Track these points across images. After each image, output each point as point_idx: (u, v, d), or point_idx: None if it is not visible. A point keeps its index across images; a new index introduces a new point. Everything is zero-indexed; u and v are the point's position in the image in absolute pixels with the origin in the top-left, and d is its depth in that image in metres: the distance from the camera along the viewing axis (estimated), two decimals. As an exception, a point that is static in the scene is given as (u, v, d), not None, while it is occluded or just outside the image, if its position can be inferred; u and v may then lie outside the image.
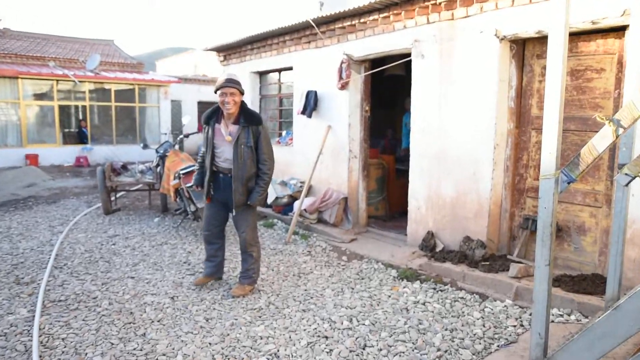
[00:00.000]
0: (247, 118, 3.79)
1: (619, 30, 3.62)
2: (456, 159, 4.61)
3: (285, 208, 6.53)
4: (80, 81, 14.61)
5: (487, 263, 4.24)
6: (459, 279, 4.18)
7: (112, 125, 15.81)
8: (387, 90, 7.88)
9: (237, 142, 3.74)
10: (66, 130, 15.32)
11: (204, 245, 4.19)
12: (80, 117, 15.31)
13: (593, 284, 3.62)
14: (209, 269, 4.14)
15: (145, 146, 7.16)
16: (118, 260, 4.95)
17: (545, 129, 2.01)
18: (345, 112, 5.87)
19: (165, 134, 14.46)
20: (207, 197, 4.00)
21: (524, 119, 4.33)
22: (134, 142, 15.93)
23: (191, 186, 4.05)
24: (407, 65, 6.91)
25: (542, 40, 4.10)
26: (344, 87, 5.76)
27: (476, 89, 4.39)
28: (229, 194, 3.85)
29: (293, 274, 4.58)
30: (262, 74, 7.79)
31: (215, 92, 3.78)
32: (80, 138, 15.01)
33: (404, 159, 6.50)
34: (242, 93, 3.79)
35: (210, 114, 3.89)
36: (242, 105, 3.82)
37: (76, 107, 15.45)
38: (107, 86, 15.69)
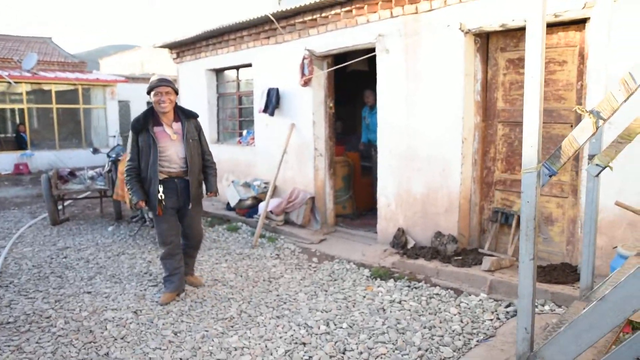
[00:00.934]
0: (185, 113, 3.89)
1: (580, 23, 3.76)
2: (425, 156, 4.66)
3: (249, 210, 6.39)
4: (15, 82, 13.76)
5: (460, 258, 4.31)
6: (432, 275, 4.22)
7: (55, 128, 15.00)
8: (351, 86, 7.90)
9: (186, 138, 3.79)
10: (2, 135, 14.40)
11: (164, 261, 3.98)
12: (18, 121, 14.41)
13: (563, 273, 3.75)
14: (176, 284, 3.98)
15: (96, 150, 6.82)
16: (71, 275, 4.67)
17: (526, 123, 2.04)
18: (309, 109, 5.82)
19: (114, 136, 13.94)
20: (158, 209, 3.79)
21: (489, 112, 4.43)
22: (80, 147, 15.21)
23: (135, 204, 3.81)
24: (371, 61, 6.97)
25: (506, 33, 4.20)
26: (306, 83, 5.70)
27: (442, 84, 4.45)
28: (185, 196, 3.85)
29: (263, 279, 4.48)
30: (219, 72, 7.60)
31: (149, 94, 3.73)
32: (18, 144, 14.13)
33: (365, 154, 6.60)
34: (176, 92, 3.82)
35: (143, 120, 3.73)
36: (175, 103, 3.89)
37: (12, 110, 14.56)
38: (46, 87, 14.86)
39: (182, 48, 7.72)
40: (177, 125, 3.79)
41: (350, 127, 8.23)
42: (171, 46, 7.77)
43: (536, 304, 3.49)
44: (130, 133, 3.77)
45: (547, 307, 3.46)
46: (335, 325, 3.44)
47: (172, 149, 3.75)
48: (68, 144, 15.37)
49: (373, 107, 6.33)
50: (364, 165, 6.82)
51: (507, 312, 3.49)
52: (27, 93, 14.54)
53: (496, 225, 4.43)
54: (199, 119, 4.11)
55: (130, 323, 3.55)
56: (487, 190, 4.54)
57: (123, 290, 4.24)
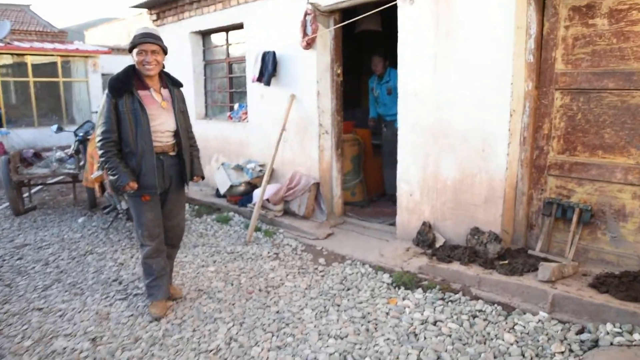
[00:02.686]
0: (171, 80, 3.20)
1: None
2: (460, 131, 3.77)
3: (242, 198, 5.54)
4: (-15, 52, 12.69)
5: (506, 262, 3.48)
6: (472, 284, 3.40)
7: (32, 104, 13.97)
8: (354, 52, 6.94)
9: (174, 107, 3.11)
10: (-26, 112, 13.40)
11: (149, 262, 3.16)
12: (-9, 95, 13.38)
13: (649, 286, 2.93)
14: (165, 288, 3.27)
15: (60, 129, 5.90)
16: (23, 283, 3.86)
17: None
18: (313, 76, 4.89)
19: (97, 112, 12.91)
20: (144, 193, 3.02)
21: (544, 77, 3.52)
22: (61, 123, 14.21)
23: (118, 188, 2.97)
24: (385, 20, 6.00)
25: (571, -28, 3.27)
26: (309, 45, 4.76)
27: (484, 40, 3.53)
28: (169, 177, 3.14)
29: (259, 288, 3.66)
30: (205, 35, 6.62)
31: (131, 51, 2.97)
32: (-8, 121, 13.15)
33: (374, 130, 5.79)
34: (165, 52, 3.05)
35: (124, 82, 2.95)
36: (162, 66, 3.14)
37: (-16, 84, 13.52)
38: (22, 58, 13.76)
39: (162, 7, 6.72)
40: (165, 92, 3.11)
41: (353, 100, 7.30)
42: (149, 5, 6.75)
43: (620, 330, 2.67)
44: (106, 97, 2.94)
45: (637, 336, 2.63)
46: (354, 360, 2.63)
47: (160, 119, 3.03)
48: (48, 121, 14.33)
49: (382, 76, 5.43)
50: (375, 143, 5.94)
51: (582, 342, 2.67)
52: (1, 66, 13.47)
53: (550, 220, 3.58)
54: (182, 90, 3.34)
55: (86, 358, 2.74)
56: (537, 176, 3.67)
57: (83, 305, 3.42)
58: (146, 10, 7.06)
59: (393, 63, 5.42)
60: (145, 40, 2.90)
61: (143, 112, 2.92)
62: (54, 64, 14.36)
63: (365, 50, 6.45)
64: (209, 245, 4.67)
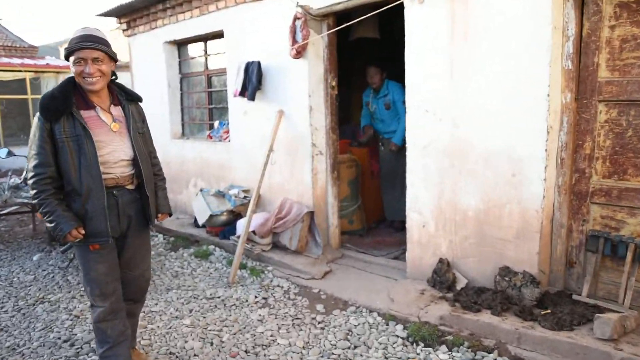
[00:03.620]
0: (125, 94, 2.51)
1: None
2: (483, 153, 3.18)
3: (224, 229, 4.85)
4: (-54, 68, 11.83)
5: (548, 311, 2.86)
6: (510, 341, 2.77)
7: (-2, 123, 13.10)
8: (344, 62, 6.34)
9: (130, 129, 2.43)
10: None
11: (102, 325, 2.44)
12: (-48, 114, 12.49)
13: None
14: (124, 358, 2.50)
15: (10, 153, 5.14)
16: (-52, 348, 3.09)
17: None
18: (304, 89, 4.27)
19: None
20: (93, 242, 2.32)
21: (585, 87, 2.96)
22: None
23: (61, 239, 2.26)
24: (383, 27, 5.44)
25: (618, -39, 2.73)
26: (299, 53, 4.15)
27: (514, 44, 2.97)
28: (128, 217, 2.45)
29: (245, 348, 2.98)
30: (181, 45, 5.98)
31: (67, 59, 2.30)
32: (-47, 141, 12.22)
33: (367, 142, 5.30)
34: (113, 59, 2.36)
35: (61, 100, 2.26)
36: (112, 77, 2.46)
37: (-54, 102, 12.62)
38: (-14, 74, 12.94)
39: (132, 15, 6.06)
40: (117, 111, 2.44)
41: (343, 116, 6.67)
42: (118, 13, 6.09)
43: None
44: (37, 121, 2.26)
45: None
46: None
47: (111, 146, 2.35)
48: (16, 141, 13.47)
49: (379, 89, 4.86)
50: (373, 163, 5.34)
51: None
52: (-37, 82, 12.62)
53: (597, 257, 2.98)
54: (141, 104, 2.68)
55: None
56: (577, 205, 3.09)
57: (20, 381, 2.68)
58: (116, 19, 6.39)
59: (390, 75, 4.89)
60: (84, 46, 2.21)
61: (88, 138, 2.24)
62: (23, 80, 13.55)
63: (357, 61, 5.87)
64: (185, 288, 3.96)
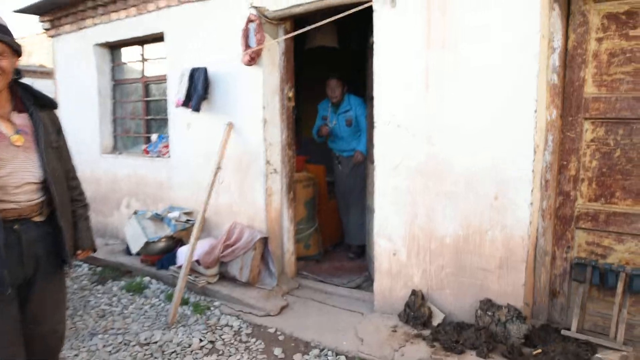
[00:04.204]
0: (35, 97, 1.96)
1: None
2: (462, 173, 2.88)
3: (163, 258, 4.25)
4: None
5: (539, 350, 2.57)
6: (501, 389, 2.43)
7: None
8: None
9: (39, 143, 1.88)
10: None
11: None
12: None
13: None
14: None
15: None
16: None
17: None
18: (258, 101, 3.83)
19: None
20: None
21: (570, 103, 2.76)
22: None
23: None
24: (343, 35, 5.13)
25: (606, -31, 2.56)
26: (253, 60, 3.71)
27: (498, 52, 2.71)
28: (35, 257, 1.88)
29: (190, 411, 2.43)
30: (114, 48, 5.34)
31: None
32: None
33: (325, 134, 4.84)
34: (17, 53, 1.83)
35: None
36: (15, 76, 1.89)
37: None
38: None
39: (56, 13, 5.35)
40: (22, 119, 1.90)
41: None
42: (40, 9, 5.35)
43: None
44: None
45: None
46: None
47: (12, 165, 1.80)
48: None
49: (339, 104, 4.54)
50: (330, 181, 4.96)
51: None
52: None
53: (584, 287, 2.75)
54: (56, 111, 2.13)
55: None
56: (561, 230, 2.86)
57: None
58: (38, 16, 5.63)
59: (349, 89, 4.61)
60: None
61: None
62: None
63: (311, 71, 5.52)
64: (113, 331, 3.34)
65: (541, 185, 2.80)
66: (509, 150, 2.73)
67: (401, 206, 3.15)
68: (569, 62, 2.74)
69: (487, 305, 2.84)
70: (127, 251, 4.62)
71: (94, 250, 2.30)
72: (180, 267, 3.82)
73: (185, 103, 4.07)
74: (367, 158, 4.19)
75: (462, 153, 2.88)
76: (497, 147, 2.76)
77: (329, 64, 5.84)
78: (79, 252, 2.20)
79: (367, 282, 4.06)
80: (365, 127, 4.26)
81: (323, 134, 4.62)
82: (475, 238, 2.89)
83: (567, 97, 2.76)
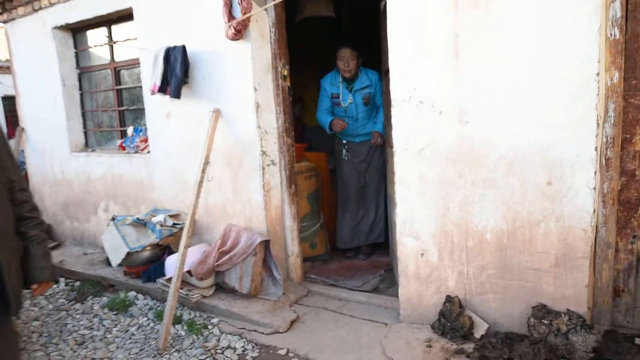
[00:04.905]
0: None
1: None
2: (505, 156, 2.41)
3: (148, 268, 3.73)
4: None
5: (614, 367, 2.13)
6: (576, 420, 2.00)
7: None
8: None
9: None
10: None
11: None
12: None
13: None
14: None
15: None
16: None
17: None
18: (248, 81, 3.29)
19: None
20: None
21: (634, 62, 2.27)
22: None
23: None
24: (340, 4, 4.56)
25: None
26: (239, 33, 3.16)
27: (547, 9, 2.20)
28: None
29: None
30: (77, 31, 4.72)
31: None
32: None
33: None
34: None
35: None
36: None
37: None
38: None
39: (7, -7, 4.70)
40: None
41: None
42: (-14, -10, 4.69)
43: None
44: None
45: None
46: None
47: None
48: None
49: (354, 78, 3.85)
50: (332, 169, 4.45)
51: None
52: None
53: (658, 285, 2.31)
54: None
55: None
56: (625, 217, 2.40)
57: None
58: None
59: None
60: None
61: None
62: None
63: (305, 45, 4.96)
64: (95, 364, 2.84)
65: (601, 164, 2.33)
66: (563, 124, 2.25)
67: (429, 198, 2.66)
68: (631, 11, 2.25)
69: (542, 311, 2.40)
70: (109, 261, 4.09)
71: (55, 282, 1.80)
72: (169, 279, 3.32)
73: (162, 89, 3.51)
74: (385, 141, 3.66)
75: (503, 132, 2.40)
76: (548, 122, 2.28)
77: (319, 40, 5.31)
78: (34, 286, 1.70)
79: (384, 282, 3.62)
80: (382, 103, 3.77)
81: (338, 129, 3.82)
82: (523, 232, 2.43)
83: (629, 55, 2.27)
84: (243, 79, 3.31)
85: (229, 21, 3.14)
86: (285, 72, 3.41)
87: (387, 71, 2.98)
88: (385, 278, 3.69)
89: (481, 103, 2.43)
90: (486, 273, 2.57)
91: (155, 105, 3.90)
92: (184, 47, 3.43)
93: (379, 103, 3.86)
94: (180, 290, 3.30)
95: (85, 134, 4.89)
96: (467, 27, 2.42)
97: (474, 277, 2.60)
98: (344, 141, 4.00)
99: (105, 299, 3.74)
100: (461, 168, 2.54)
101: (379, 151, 3.93)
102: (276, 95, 3.40)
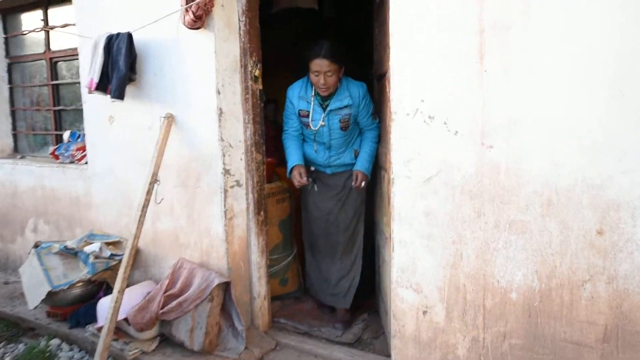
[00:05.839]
0: None
1: None
2: (542, 193, 1.87)
3: (78, 310, 3.04)
4: None
5: None
6: None
7: None
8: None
9: None
10: None
11: None
12: None
13: None
14: None
15: None
16: None
17: None
18: (209, 81, 2.67)
19: None
20: None
21: None
22: None
23: None
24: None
25: None
26: (199, 20, 2.55)
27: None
28: None
29: None
30: (7, 13, 3.99)
31: None
32: None
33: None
34: None
35: None
36: None
37: None
38: None
39: None
40: None
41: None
42: None
43: None
44: None
45: None
46: None
47: None
48: None
49: (332, 95, 2.82)
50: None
51: None
52: None
53: None
54: None
55: None
56: (690, 276, 1.88)
57: None
58: None
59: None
60: None
61: None
62: None
63: (282, 41, 4.36)
64: None
65: (664, 208, 1.81)
66: (625, 153, 1.72)
67: (437, 242, 2.10)
68: None
69: (584, 400, 1.85)
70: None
71: None
72: (101, 327, 2.65)
73: (102, 86, 2.85)
74: (379, 168, 2.90)
75: (540, 161, 1.86)
76: (604, 150, 1.75)
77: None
78: None
79: (368, 329, 3.03)
80: (371, 125, 2.92)
81: (295, 184, 2.89)
82: (561, 294, 1.88)
83: None
84: (204, 78, 2.68)
85: (187, 3, 2.52)
86: (257, 73, 2.81)
87: (382, 76, 2.43)
88: (370, 324, 3.11)
89: (512, 121, 1.88)
90: (509, 343, 2.01)
91: (96, 107, 3.23)
92: (129, 36, 2.78)
93: (363, 125, 2.92)
94: (114, 344, 2.64)
95: (15, 136, 4.15)
96: (495, 21, 1.87)
97: (493, 346, 2.04)
98: (312, 168, 3.04)
99: (22, 346, 3.03)
100: (481, 205, 1.99)
101: (360, 192, 3.00)
102: (244, 101, 2.78)
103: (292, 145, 2.95)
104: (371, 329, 3.04)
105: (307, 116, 2.87)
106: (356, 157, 2.93)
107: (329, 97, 2.82)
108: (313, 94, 2.84)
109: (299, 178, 2.84)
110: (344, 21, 4.79)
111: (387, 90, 2.33)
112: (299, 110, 2.89)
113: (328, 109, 2.81)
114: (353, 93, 2.79)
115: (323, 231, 3.08)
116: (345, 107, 2.79)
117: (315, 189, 3.04)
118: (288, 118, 2.96)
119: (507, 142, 1.91)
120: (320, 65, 2.66)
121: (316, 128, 2.87)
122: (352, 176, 2.89)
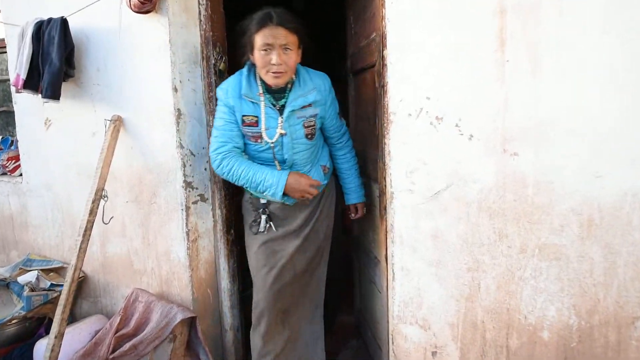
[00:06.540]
0: None
1: None
2: (581, 212, 1.53)
3: (12, 351, 2.56)
4: None
5: None
6: None
7: None
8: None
9: None
10: None
11: None
12: None
13: None
14: None
15: None
16: None
17: None
18: (164, 77, 2.23)
19: None
20: None
21: None
22: None
23: None
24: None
25: None
26: (148, 2, 2.10)
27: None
28: None
29: None
30: None
31: None
32: None
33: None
34: None
35: None
36: None
37: None
38: None
39: None
40: None
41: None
42: None
43: None
44: None
45: None
46: None
47: None
48: None
49: (286, 87, 2.00)
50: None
51: None
52: None
53: None
54: None
55: None
56: None
57: None
58: None
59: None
60: None
61: None
62: None
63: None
64: None
65: None
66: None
67: (448, 269, 1.74)
68: None
69: None
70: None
71: None
72: (38, 377, 2.20)
73: (31, 84, 2.37)
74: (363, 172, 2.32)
75: (578, 172, 1.52)
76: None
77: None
78: None
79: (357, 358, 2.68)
80: (343, 131, 2.22)
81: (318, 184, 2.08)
82: (606, 333, 1.56)
83: None
84: (157, 73, 2.24)
85: (132, -17, 2.07)
86: (222, 66, 2.38)
87: (364, 69, 2.07)
88: (358, 351, 2.76)
89: (542, 122, 1.54)
90: (539, 390, 1.68)
91: (29, 108, 2.73)
92: (63, 21, 2.30)
93: (331, 130, 2.18)
94: (55, 397, 2.18)
95: (-62, 143, 3.58)
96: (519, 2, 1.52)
97: (519, 395, 1.71)
98: (263, 201, 2.12)
99: (-58, 399, 2.53)
100: (503, 225, 1.64)
101: (325, 218, 2.23)
102: (208, 100, 2.35)
103: (247, 164, 1.98)
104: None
105: (256, 124, 1.98)
106: (325, 175, 2.17)
107: (283, 93, 2.00)
108: (261, 91, 1.98)
109: (308, 185, 1.99)
110: (312, 15, 4.41)
111: (376, 85, 1.96)
112: (243, 116, 1.98)
113: (287, 109, 1.97)
114: (319, 86, 2.03)
115: (290, 279, 2.16)
116: (310, 105, 2.00)
117: (274, 229, 2.12)
118: (223, 130, 1.99)
119: (536, 148, 1.56)
120: (274, 36, 1.85)
121: (273, 140, 1.98)
122: (320, 203, 2.17)
